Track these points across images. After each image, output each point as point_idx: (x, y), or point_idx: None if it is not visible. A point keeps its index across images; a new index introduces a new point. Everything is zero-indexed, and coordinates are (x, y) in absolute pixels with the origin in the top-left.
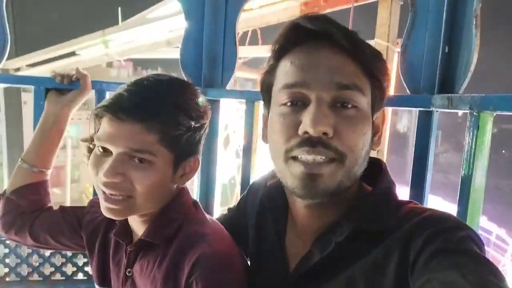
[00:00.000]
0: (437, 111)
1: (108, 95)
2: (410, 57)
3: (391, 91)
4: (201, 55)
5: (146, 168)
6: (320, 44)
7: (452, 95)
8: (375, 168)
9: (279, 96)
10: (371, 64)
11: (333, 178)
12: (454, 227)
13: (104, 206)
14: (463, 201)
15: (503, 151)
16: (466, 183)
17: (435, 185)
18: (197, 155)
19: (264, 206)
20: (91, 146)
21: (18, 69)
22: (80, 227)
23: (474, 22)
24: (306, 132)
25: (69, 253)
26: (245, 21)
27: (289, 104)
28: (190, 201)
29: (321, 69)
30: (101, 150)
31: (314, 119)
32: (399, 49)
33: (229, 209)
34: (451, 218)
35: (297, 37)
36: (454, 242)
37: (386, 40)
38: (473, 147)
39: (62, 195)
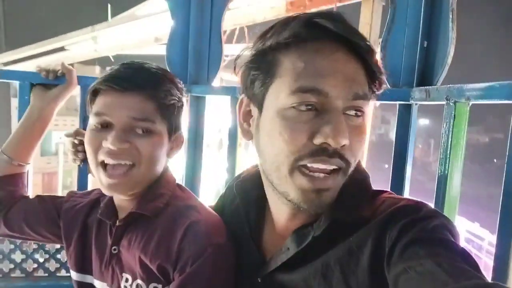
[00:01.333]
0: (416, 104)
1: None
2: (390, 52)
3: None
4: (187, 52)
5: (149, 136)
6: (334, 45)
7: (430, 87)
8: None
9: (287, 98)
10: (378, 73)
11: (336, 190)
12: (428, 216)
13: (107, 183)
14: (441, 190)
15: (495, 160)
16: (443, 172)
17: (428, 193)
18: (181, 131)
19: (235, 198)
20: (76, 141)
21: (7, 64)
22: (58, 215)
23: (451, 17)
24: (325, 143)
25: (52, 249)
26: (232, 19)
27: (299, 108)
28: (175, 180)
29: (339, 76)
30: (99, 126)
31: (336, 130)
32: (379, 49)
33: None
34: (425, 207)
35: (310, 34)
36: (429, 231)
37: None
38: (450, 136)
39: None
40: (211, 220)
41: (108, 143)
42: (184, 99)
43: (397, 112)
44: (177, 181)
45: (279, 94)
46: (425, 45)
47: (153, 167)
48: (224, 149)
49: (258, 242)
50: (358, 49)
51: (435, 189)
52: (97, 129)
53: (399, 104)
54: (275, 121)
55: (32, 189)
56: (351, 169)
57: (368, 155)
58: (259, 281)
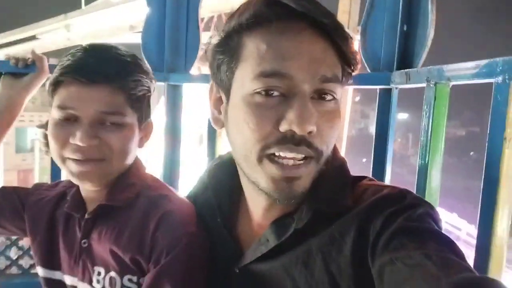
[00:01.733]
0: (396, 88)
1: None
2: (370, 36)
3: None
4: (163, 40)
5: (119, 130)
6: (300, 25)
7: (410, 70)
8: None
9: (251, 84)
10: (349, 52)
11: (309, 178)
12: (413, 204)
13: (77, 171)
14: (422, 175)
15: (471, 153)
16: (425, 156)
17: (407, 185)
18: (151, 118)
19: (207, 188)
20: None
21: None
22: (22, 208)
23: None
24: (290, 130)
25: (26, 245)
26: (210, 6)
27: (264, 93)
28: (145, 169)
29: (305, 58)
30: (63, 120)
31: (301, 117)
32: (359, 37)
33: None
34: (409, 195)
35: (272, 14)
36: (415, 220)
37: (346, 28)
38: (431, 119)
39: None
40: (184, 209)
41: (76, 140)
42: (153, 86)
43: (377, 97)
44: (153, 174)
45: (244, 79)
46: (404, 29)
47: (124, 160)
48: (205, 143)
49: (233, 232)
50: (325, 28)
51: (417, 174)
52: (61, 124)
53: (380, 89)
54: (241, 107)
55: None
56: (325, 156)
57: (347, 149)
58: (237, 271)
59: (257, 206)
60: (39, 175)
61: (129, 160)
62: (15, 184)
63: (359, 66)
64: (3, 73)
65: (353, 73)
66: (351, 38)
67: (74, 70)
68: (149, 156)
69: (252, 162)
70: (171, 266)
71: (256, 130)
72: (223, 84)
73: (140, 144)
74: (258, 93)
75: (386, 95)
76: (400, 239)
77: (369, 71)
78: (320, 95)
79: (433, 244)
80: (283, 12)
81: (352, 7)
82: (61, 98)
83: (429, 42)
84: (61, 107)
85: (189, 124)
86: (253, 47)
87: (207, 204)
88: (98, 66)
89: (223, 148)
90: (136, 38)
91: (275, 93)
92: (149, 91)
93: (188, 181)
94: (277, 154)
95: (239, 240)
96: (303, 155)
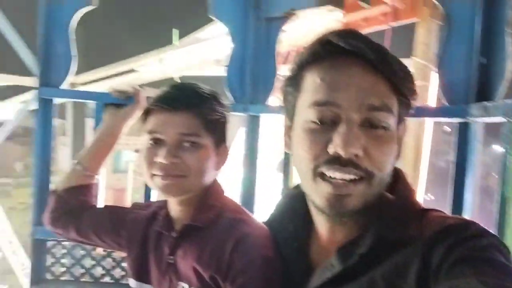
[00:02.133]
0: (473, 121)
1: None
2: (446, 69)
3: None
4: (245, 73)
5: (196, 150)
6: (351, 60)
7: (487, 103)
8: (394, 176)
9: (307, 112)
10: (401, 83)
11: (361, 198)
12: (478, 235)
13: (161, 185)
14: (501, 213)
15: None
16: (503, 193)
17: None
18: (227, 144)
19: (284, 215)
20: None
21: (84, 84)
22: (122, 225)
23: (508, 30)
24: (336, 152)
25: (118, 257)
26: (289, 40)
27: (317, 120)
28: (224, 191)
29: (353, 89)
30: (152, 143)
31: (345, 140)
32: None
33: None
34: (475, 226)
35: (326, 51)
36: (478, 250)
37: (424, 59)
38: (510, 156)
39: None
40: (260, 233)
41: (160, 158)
42: (227, 114)
43: (456, 130)
44: (232, 197)
45: (302, 108)
46: (482, 61)
47: (201, 178)
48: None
49: (306, 257)
50: (372, 62)
51: (496, 212)
52: (150, 146)
53: (458, 122)
54: (299, 133)
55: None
56: (378, 178)
57: (433, 181)
58: None
59: (322, 228)
60: (132, 194)
61: (207, 180)
62: (110, 201)
63: (416, 96)
64: (107, 104)
65: (412, 103)
66: (403, 70)
67: (161, 100)
68: (228, 183)
69: (308, 181)
70: (246, 286)
71: (309, 151)
72: (288, 113)
73: (217, 167)
74: (312, 120)
75: (464, 128)
76: (460, 267)
77: (446, 103)
78: (371, 124)
79: (492, 272)
80: (335, 50)
81: (429, 38)
82: (149, 124)
83: (507, 75)
84: (150, 132)
85: (270, 151)
86: (310, 80)
87: (284, 229)
88: (178, 96)
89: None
90: (221, 72)
91: (326, 120)
92: (222, 116)
93: (267, 205)
94: (326, 174)
95: (310, 266)
96: (352, 176)
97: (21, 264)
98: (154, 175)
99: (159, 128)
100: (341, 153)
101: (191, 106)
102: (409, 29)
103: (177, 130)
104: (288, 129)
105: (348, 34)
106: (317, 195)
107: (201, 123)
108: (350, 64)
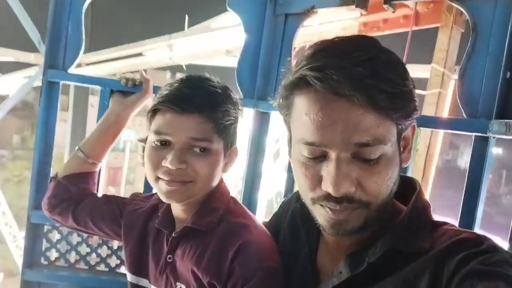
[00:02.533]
0: (494, 137)
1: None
2: (469, 80)
3: (445, 115)
4: (257, 67)
5: (206, 155)
6: (332, 95)
7: (511, 121)
8: (409, 187)
9: (297, 144)
10: (394, 109)
11: (359, 220)
12: (490, 250)
13: (165, 190)
14: None
15: None
16: None
17: (496, 227)
18: (236, 145)
19: (295, 220)
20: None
21: (89, 64)
22: (120, 215)
23: None
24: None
25: (114, 246)
26: (303, 36)
27: (307, 155)
28: (229, 192)
29: (338, 127)
30: (158, 144)
31: (335, 181)
32: (455, 76)
33: (263, 223)
34: (487, 241)
35: (311, 78)
36: (489, 264)
37: (443, 66)
38: None
39: (116, 193)
40: (263, 241)
41: (167, 163)
42: (240, 116)
43: (472, 144)
44: (234, 192)
45: (294, 137)
46: (508, 76)
47: (209, 184)
48: (280, 159)
49: (315, 262)
50: (361, 97)
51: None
52: (156, 147)
53: (475, 136)
54: (294, 160)
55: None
56: (376, 203)
57: (433, 181)
58: None
59: (330, 238)
60: (127, 174)
61: (214, 183)
62: (105, 180)
63: (416, 113)
64: (114, 91)
65: (413, 116)
66: (396, 94)
67: (170, 99)
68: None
69: (308, 203)
70: None
71: (305, 184)
72: (287, 127)
73: (225, 169)
74: (302, 154)
75: (481, 143)
76: (471, 281)
77: (465, 116)
78: (359, 157)
79: (504, 286)
80: (314, 85)
81: (450, 45)
82: (157, 124)
83: None
84: (157, 132)
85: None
86: (298, 111)
87: (294, 234)
88: (190, 97)
89: None
90: (231, 62)
91: (316, 155)
92: (235, 121)
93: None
94: (324, 205)
95: (318, 272)
96: (349, 209)
97: (13, 236)
98: (159, 178)
99: (167, 130)
100: (332, 193)
101: (203, 109)
102: (430, 35)
103: (187, 134)
104: (289, 141)
105: (326, 68)
106: (318, 217)
107: (213, 127)
108: (334, 98)
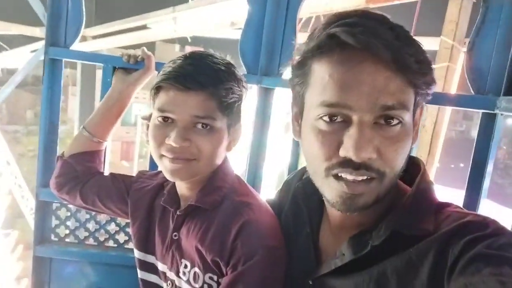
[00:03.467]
0: (501, 114)
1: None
2: (478, 55)
3: (453, 90)
4: (260, 43)
5: (209, 133)
6: (361, 55)
7: None
8: (414, 167)
9: (316, 110)
10: (417, 77)
11: (372, 196)
12: (495, 234)
13: (169, 168)
14: None
15: None
16: None
17: (508, 198)
18: (241, 123)
19: (297, 199)
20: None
21: (95, 37)
22: (127, 193)
23: None
24: (348, 156)
25: (122, 223)
26: (309, 7)
27: (326, 119)
28: (233, 171)
29: (365, 89)
30: (162, 121)
31: (356, 145)
32: (465, 49)
33: (266, 201)
34: (493, 224)
35: (334, 44)
36: (495, 248)
37: (452, 39)
38: None
39: (130, 168)
40: (266, 220)
41: (170, 140)
42: (244, 93)
43: (479, 120)
44: (240, 177)
45: (311, 105)
46: None
47: (213, 162)
48: (290, 132)
49: (317, 242)
50: (386, 60)
51: None
52: (160, 124)
53: (482, 113)
54: (309, 130)
55: (111, 156)
56: (389, 177)
57: (444, 152)
58: (310, 283)
59: (334, 216)
60: (140, 148)
61: (218, 161)
62: (118, 153)
63: (435, 84)
64: (116, 68)
65: (430, 92)
66: (420, 61)
67: (173, 77)
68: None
69: (319, 178)
70: (247, 274)
71: (320, 152)
72: (298, 103)
73: (229, 148)
74: (321, 118)
75: (489, 120)
76: (477, 265)
77: (472, 92)
78: (385, 119)
79: (510, 271)
80: (344, 44)
81: (460, 16)
82: (160, 101)
83: None
84: (160, 110)
85: (277, 111)
86: (318, 75)
87: (296, 214)
88: (194, 74)
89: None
90: (236, 34)
91: (337, 119)
92: (239, 98)
93: (273, 170)
94: (339, 175)
95: (320, 252)
96: (364, 177)
97: (30, 209)
98: (163, 155)
99: (170, 107)
100: (353, 158)
101: (206, 86)
102: (440, 5)
103: (190, 112)
104: (298, 116)
105: (357, 26)
106: (329, 192)
107: (216, 104)
108: (361, 59)
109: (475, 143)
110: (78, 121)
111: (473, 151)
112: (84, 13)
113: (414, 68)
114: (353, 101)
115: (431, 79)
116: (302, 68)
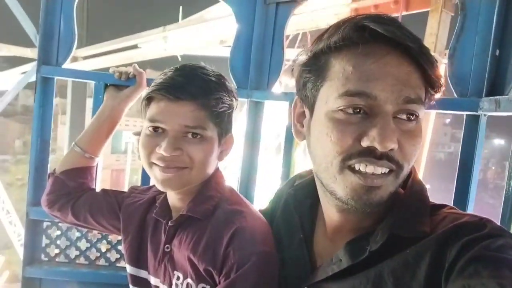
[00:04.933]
0: (484, 115)
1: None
2: (459, 60)
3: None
4: (249, 58)
5: (200, 142)
6: (385, 48)
7: (500, 97)
8: None
9: (336, 102)
10: (433, 74)
11: (388, 190)
12: (493, 235)
13: (161, 178)
14: (508, 208)
15: None
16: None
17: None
18: (232, 133)
19: (289, 206)
20: None
21: (86, 57)
22: (119, 209)
23: None
24: (371, 146)
25: (114, 241)
26: (296, 24)
27: (347, 111)
28: (225, 181)
29: (389, 80)
30: (153, 131)
31: (382, 135)
32: (446, 61)
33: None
34: (490, 224)
35: (359, 37)
36: (493, 250)
37: (433, 50)
38: None
39: None
40: (258, 227)
41: (161, 150)
42: (235, 103)
43: (464, 123)
44: (231, 183)
45: (329, 97)
46: (497, 54)
47: (204, 171)
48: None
49: (310, 249)
50: (411, 51)
51: (503, 203)
52: (151, 134)
53: (467, 115)
54: (324, 123)
55: (101, 184)
56: (404, 172)
57: (432, 173)
58: None
59: (332, 219)
60: (130, 175)
61: (209, 171)
62: (108, 181)
63: (443, 89)
64: (108, 84)
65: (436, 96)
66: (436, 62)
67: (164, 88)
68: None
69: (332, 173)
70: (240, 281)
71: (338, 143)
72: (307, 100)
73: (220, 157)
74: (342, 110)
75: (473, 121)
76: (475, 266)
77: (455, 96)
78: (403, 114)
79: (510, 275)
80: (370, 36)
81: (440, 29)
82: (151, 112)
83: None
84: (151, 120)
85: (268, 134)
86: (339, 68)
87: (288, 220)
88: (184, 85)
89: (298, 159)
90: (225, 52)
91: (358, 111)
92: (230, 108)
93: (266, 188)
94: (357, 167)
95: (314, 258)
96: (384, 170)
97: (18, 235)
98: (154, 164)
99: (161, 117)
100: (378, 147)
101: (197, 96)
102: (420, 19)
103: (180, 122)
104: (302, 117)
105: (383, 19)
106: (343, 187)
107: (206, 115)
108: (386, 52)
109: (461, 145)
110: (67, 149)
111: (459, 154)
112: (76, 32)
113: (434, 63)
114: (378, 91)
115: (440, 81)
116: (315, 64)
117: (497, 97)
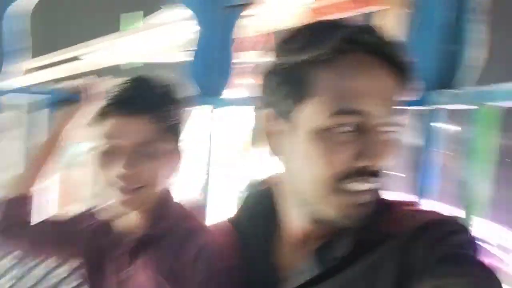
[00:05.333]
0: (440, 108)
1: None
2: (413, 56)
3: None
4: (197, 64)
5: (155, 158)
6: (369, 59)
7: (455, 90)
8: None
9: (325, 119)
10: (409, 80)
11: (371, 204)
12: (456, 231)
13: (120, 199)
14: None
15: None
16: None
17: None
18: (183, 145)
19: (248, 218)
20: None
21: (30, 70)
22: (74, 235)
23: (480, 18)
24: (366, 165)
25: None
26: (253, 26)
27: (338, 129)
28: (172, 196)
29: (379, 96)
30: (107, 150)
31: (379, 153)
32: None
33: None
34: (450, 222)
35: (348, 48)
36: (456, 246)
37: None
38: (479, 144)
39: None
40: (218, 241)
41: (117, 168)
42: (185, 116)
43: (421, 120)
44: (184, 202)
45: (316, 115)
46: (450, 48)
47: (160, 187)
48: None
49: (272, 261)
50: (398, 65)
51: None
52: (103, 153)
53: (423, 110)
54: (311, 142)
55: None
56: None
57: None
58: None
59: (294, 230)
60: (84, 189)
61: (164, 186)
62: (62, 197)
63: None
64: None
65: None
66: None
67: (114, 104)
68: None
69: (322, 194)
70: None
71: (332, 164)
72: (286, 116)
73: (174, 170)
74: (333, 129)
75: (429, 115)
76: (443, 266)
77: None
78: (388, 126)
79: (476, 272)
80: (358, 48)
81: (397, 25)
82: (104, 128)
83: (477, 63)
84: (104, 137)
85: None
86: (326, 83)
87: (251, 233)
88: (134, 100)
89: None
90: (171, 58)
91: (350, 129)
92: (181, 120)
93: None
94: (350, 187)
95: (278, 269)
96: (376, 186)
97: None
98: (111, 185)
99: (113, 134)
100: (375, 165)
101: (146, 110)
102: (379, 17)
103: (133, 138)
104: (278, 133)
105: (372, 30)
106: (332, 207)
107: (160, 127)
108: (373, 65)
109: (422, 140)
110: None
111: (422, 145)
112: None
113: (411, 79)
114: (370, 108)
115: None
116: (295, 76)
117: (453, 90)
